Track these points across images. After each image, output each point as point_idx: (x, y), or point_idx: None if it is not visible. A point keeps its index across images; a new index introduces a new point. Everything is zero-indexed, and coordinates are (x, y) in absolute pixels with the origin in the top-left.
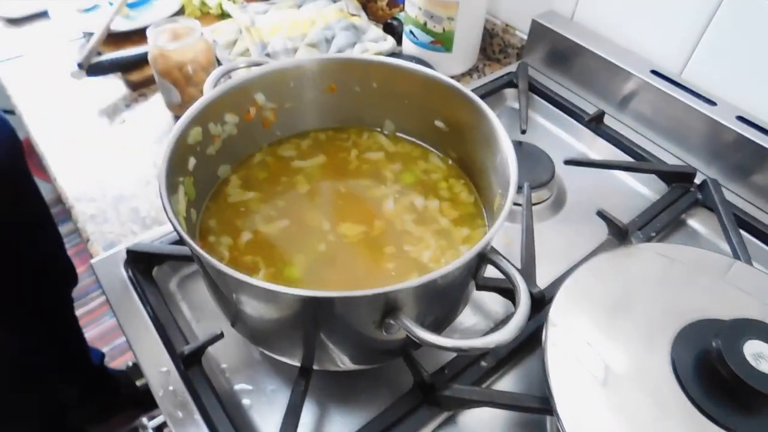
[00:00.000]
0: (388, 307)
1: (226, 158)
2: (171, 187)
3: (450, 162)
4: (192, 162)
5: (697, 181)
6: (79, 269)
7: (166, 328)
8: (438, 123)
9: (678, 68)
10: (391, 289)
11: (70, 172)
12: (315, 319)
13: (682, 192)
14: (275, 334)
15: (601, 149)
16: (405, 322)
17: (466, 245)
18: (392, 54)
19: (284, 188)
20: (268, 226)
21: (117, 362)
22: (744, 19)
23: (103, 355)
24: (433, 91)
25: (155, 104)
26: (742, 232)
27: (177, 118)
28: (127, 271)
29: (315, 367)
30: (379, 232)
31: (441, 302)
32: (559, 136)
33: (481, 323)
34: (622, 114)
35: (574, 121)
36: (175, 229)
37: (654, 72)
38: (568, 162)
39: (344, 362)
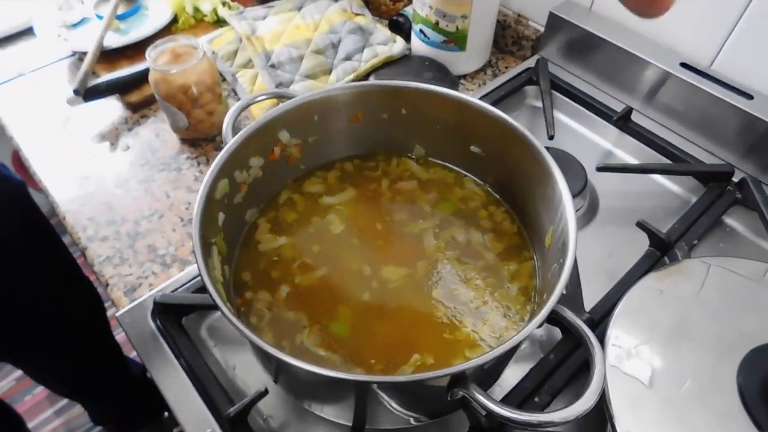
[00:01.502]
0: (454, 379)
1: (252, 202)
2: (206, 254)
3: (487, 186)
4: (221, 217)
5: (735, 179)
6: None
7: (205, 383)
8: (474, 148)
9: (708, 60)
10: (459, 369)
11: (78, 209)
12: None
13: (719, 192)
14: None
15: (629, 148)
16: (476, 395)
17: (515, 283)
18: (402, 56)
19: (317, 230)
20: (307, 276)
21: None
22: None
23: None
24: (468, 115)
25: (159, 126)
26: None
27: (184, 141)
28: (156, 322)
29: (368, 427)
30: (424, 273)
31: (504, 358)
32: (586, 136)
33: (527, 348)
34: (649, 109)
35: (601, 120)
36: (223, 314)
37: (683, 64)
38: (601, 168)
39: (400, 423)
